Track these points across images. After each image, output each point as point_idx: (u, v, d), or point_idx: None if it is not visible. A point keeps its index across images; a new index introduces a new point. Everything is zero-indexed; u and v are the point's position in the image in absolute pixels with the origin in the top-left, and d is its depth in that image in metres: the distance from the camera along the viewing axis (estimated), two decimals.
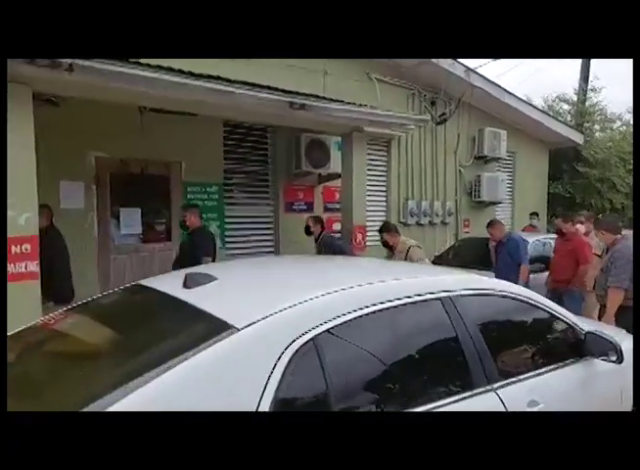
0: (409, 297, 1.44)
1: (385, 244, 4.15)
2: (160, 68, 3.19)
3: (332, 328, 1.30)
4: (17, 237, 2.86)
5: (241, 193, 5.46)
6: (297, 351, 1.19)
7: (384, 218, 6.72)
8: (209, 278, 1.74)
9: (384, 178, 6.80)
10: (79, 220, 4.21)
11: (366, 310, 1.37)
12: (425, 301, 1.46)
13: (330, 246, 4.53)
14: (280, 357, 1.15)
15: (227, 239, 5.27)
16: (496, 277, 3.10)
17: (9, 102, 2.83)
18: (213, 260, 4.02)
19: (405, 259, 3.85)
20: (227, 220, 5.29)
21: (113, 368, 1.38)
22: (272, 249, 5.70)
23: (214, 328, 1.27)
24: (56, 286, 3.38)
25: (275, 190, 5.72)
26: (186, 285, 1.69)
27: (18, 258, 2.86)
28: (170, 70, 3.23)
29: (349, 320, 1.33)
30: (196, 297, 1.58)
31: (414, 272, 1.92)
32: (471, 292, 1.59)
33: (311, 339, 1.23)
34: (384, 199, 6.79)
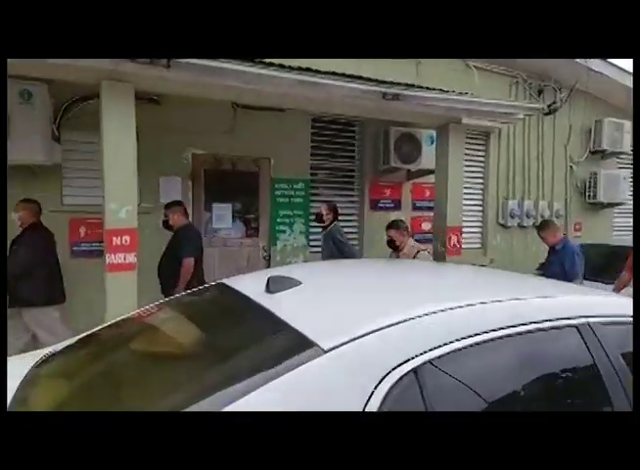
0: (549, 320, 1.15)
1: (390, 243, 3.93)
2: (252, 61, 3.17)
3: (445, 355, 1.05)
4: (117, 229, 3.02)
5: (326, 190, 5.36)
6: (396, 383, 0.96)
7: (479, 219, 6.21)
8: (293, 282, 1.61)
9: (480, 175, 6.25)
10: None
11: (492, 335, 1.10)
12: (563, 327, 1.16)
13: (331, 237, 4.25)
14: (372, 393, 0.93)
15: (312, 236, 5.21)
16: None
17: (113, 99, 3.00)
18: (197, 262, 3.74)
19: None
20: (312, 218, 5.22)
21: (193, 373, 1.32)
22: (357, 247, 5.52)
23: (296, 346, 1.12)
24: (26, 288, 3.35)
25: (361, 187, 5.54)
26: (269, 289, 1.58)
27: (117, 250, 3.02)
28: (262, 63, 3.19)
29: (468, 346, 1.07)
30: (278, 304, 1.46)
31: (544, 289, 1.59)
32: (614, 319, 1.25)
33: (418, 367, 1.00)
34: (480, 198, 6.25)
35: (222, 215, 4.69)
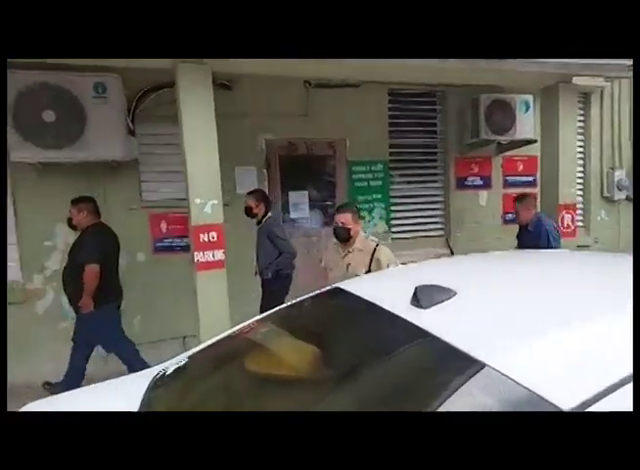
0: None
1: (341, 232, 2.75)
2: None
3: None
4: (204, 225, 2.84)
5: (407, 169, 4.91)
6: None
7: (580, 193, 5.47)
8: (447, 293, 1.26)
9: (580, 142, 5.49)
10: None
11: None
12: None
13: (267, 232, 3.51)
14: None
15: (392, 222, 4.82)
16: None
17: (190, 83, 2.76)
18: (110, 269, 3.16)
19: (370, 262, 2.66)
20: (392, 201, 4.82)
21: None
22: (442, 232, 5.06)
23: (512, 400, 0.78)
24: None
25: (444, 164, 5.02)
26: (418, 303, 1.24)
27: (205, 247, 2.84)
28: None
29: None
30: (441, 325, 1.12)
31: None
32: None
33: None
34: (580, 169, 5.49)
35: (299, 204, 4.42)
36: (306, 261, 4.21)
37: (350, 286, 1.61)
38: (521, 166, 5.10)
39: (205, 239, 2.83)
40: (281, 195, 4.38)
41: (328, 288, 1.71)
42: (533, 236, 3.48)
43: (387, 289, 1.52)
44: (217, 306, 2.84)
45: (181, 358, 1.57)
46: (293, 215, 4.42)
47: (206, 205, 2.82)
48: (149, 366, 2.88)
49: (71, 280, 3.10)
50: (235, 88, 4.00)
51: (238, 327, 1.68)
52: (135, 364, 3.05)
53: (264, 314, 1.76)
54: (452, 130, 4.91)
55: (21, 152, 3.21)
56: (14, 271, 3.60)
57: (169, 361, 1.58)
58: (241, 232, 3.85)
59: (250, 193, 3.68)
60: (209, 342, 1.61)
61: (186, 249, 3.76)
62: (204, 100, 2.77)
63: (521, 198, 3.69)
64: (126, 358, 3.21)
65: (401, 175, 4.87)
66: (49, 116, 3.19)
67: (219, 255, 2.86)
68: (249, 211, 3.62)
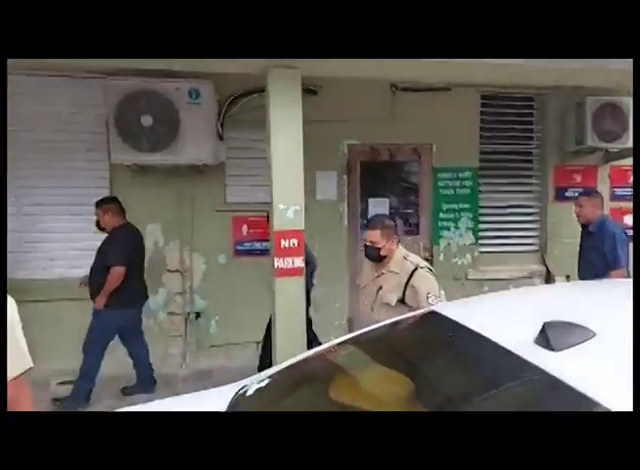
0: None
1: (369, 252, 2.34)
2: None
3: None
4: (285, 231, 2.78)
5: (498, 178, 4.53)
6: None
7: None
8: (584, 333, 1.04)
9: None
10: (331, 211, 4.12)
11: None
12: None
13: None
14: None
15: (480, 233, 4.47)
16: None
17: (281, 89, 2.75)
18: (134, 272, 3.16)
19: (405, 287, 2.19)
20: (481, 211, 4.48)
21: None
22: (536, 247, 4.61)
23: None
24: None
25: (542, 173, 4.57)
26: (547, 342, 1.03)
27: (285, 253, 2.78)
28: None
29: None
30: (582, 376, 0.91)
31: None
32: None
33: None
34: None
35: (379, 211, 4.25)
36: None
37: (450, 311, 1.43)
38: (632, 178, 4.49)
39: (286, 245, 2.77)
40: (360, 201, 4.24)
41: (423, 311, 1.54)
42: (596, 239, 3.20)
43: (495, 318, 1.32)
44: (294, 314, 2.77)
45: (262, 377, 1.49)
46: None
47: (289, 210, 2.77)
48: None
49: (96, 280, 3.13)
50: (320, 93, 3.95)
51: (320, 348, 1.57)
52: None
53: (348, 336, 1.63)
54: (552, 136, 4.46)
55: (120, 154, 3.41)
56: None
57: (249, 379, 1.50)
58: (319, 239, 3.80)
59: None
60: (291, 361, 1.51)
61: (265, 252, 3.77)
62: (292, 104, 2.73)
63: (589, 192, 3.46)
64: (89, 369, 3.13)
65: (492, 184, 4.51)
66: (147, 120, 3.35)
67: (298, 262, 2.79)
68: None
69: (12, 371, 1.14)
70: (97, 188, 3.70)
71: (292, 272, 2.79)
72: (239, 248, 4.06)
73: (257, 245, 4.04)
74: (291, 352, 2.68)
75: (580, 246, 3.45)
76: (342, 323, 4.18)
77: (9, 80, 3.51)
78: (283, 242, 2.77)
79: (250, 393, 1.39)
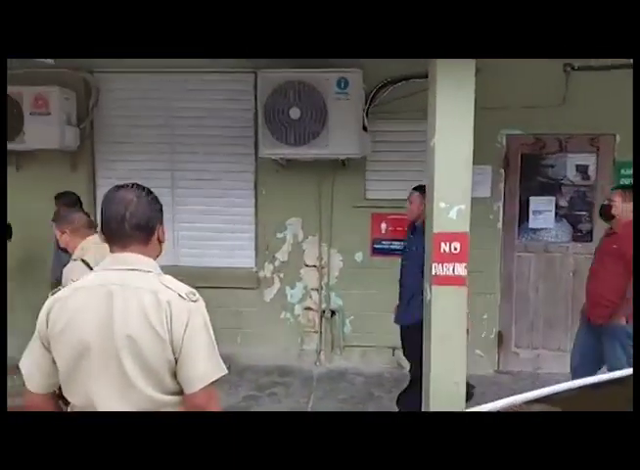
0: None
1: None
2: None
3: None
4: (446, 233, 2.45)
5: None
6: None
7: None
8: None
9: None
10: (483, 211, 3.65)
11: None
12: None
13: None
14: None
15: None
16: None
17: (450, 73, 2.44)
18: None
19: None
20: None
21: None
22: None
23: None
24: None
25: None
26: None
27: (445, 258, 2.45)
28: None
29: None
30: None
31: None
32: None
33: None
34: None
35: (542, 212, 3.67)
36: (549, 286, 3.48)
37: None
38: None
39: (447, 249, 2.44)
40: (519, 200, 3.70)
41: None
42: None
43: None
44: (453, 330, 2.44)
45: None
46: (532, 225, 3.70)
47: (452, 209, 2.43)
48: None
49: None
50: (479, 77, 3.51)
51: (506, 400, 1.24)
52: None
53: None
54: None
55: (268, 148, 3.41)
56: (250, 260, 3.92)
57: None
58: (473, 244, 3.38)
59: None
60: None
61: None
62: (465, 89, 2.40)
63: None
64: None
65: None
66: (295, 112, 3.29)
67: (460, 269, 2.44)
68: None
69: (207, 376, 1.05)
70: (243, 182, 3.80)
71: (452, 281, 2.45)
72: (376, 246, 3.84)
73: (396, 244, 3.77)
74: (450, 378, 2.37)
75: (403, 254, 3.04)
76: (489, 337, 3.71)
77: (172, 78, 3.80)
78: (443, 245, 2.45)
79: None
